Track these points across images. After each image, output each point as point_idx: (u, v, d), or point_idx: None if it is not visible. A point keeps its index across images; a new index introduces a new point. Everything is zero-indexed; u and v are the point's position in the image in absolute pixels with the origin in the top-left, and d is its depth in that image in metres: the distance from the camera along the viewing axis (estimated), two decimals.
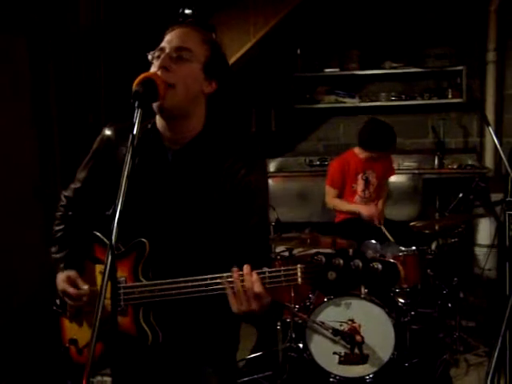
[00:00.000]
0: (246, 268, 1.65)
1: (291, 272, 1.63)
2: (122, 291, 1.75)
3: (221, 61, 1.88)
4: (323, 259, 1.60)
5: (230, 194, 1.82)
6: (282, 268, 1.65)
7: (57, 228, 2.05)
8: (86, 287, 1.86)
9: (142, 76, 1.68)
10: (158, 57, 1.78)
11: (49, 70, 3.85)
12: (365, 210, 4.48)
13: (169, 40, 1.80)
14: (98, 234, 1.92)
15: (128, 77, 1.91)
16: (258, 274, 1.65)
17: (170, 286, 1.72)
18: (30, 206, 3.79)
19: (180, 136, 1.84)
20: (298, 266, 1.63)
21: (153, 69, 1.78)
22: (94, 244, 1.93)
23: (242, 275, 1.65)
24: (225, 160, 1.85)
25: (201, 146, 1.85)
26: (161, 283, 1.74)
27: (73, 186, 2.04)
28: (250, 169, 1.85)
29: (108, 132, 1.95)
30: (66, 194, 2.06)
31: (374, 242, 4.14)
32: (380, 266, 1.56)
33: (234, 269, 1.67)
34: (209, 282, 1.69)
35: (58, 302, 2.01)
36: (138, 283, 1.78)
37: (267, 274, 1.65)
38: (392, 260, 1.60)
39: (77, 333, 1.95)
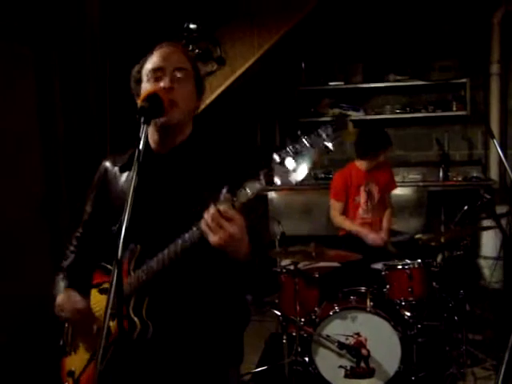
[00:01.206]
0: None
1: (256, 182, 1.59)
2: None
3: (200, 74, 1.96)
4: (276, 157, 1.56)
5: (217, 189, 1.81)
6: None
7: (65, 262, 2.08)
8: (82, 305, 1.88)
9: (147, 91, 1.72)
10: (157, 77, 1.83)
11: (54, 84, 3.86)
12: (370, 238, 4.48)
13: (165, 59, 1.85)
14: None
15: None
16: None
17: (153, 263, 1.74)
18: (36, 224, 3.79)
19: (168, 145, 1.90)
20: (260, 172, 1.59)
21: (151, 87, 1.81)
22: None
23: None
24: (213, 161, 1.90)
25: (188, 150, 1.90)
26: (145, 266, 1.76)
27: (81, 224, 2.10)
28: (239, 166, 1.91)
29: (106, 163, 2.04)
30: (77, 234, 2.12)
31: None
32: (326, 128, 1.52)
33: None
34: (186, 235, 1.68)
35: (61, 342, 2.03)
36: (126, 280, 1.78)
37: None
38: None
39: (73, 363, 1.96)
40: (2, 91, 3.57)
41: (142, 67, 1.90)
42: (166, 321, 1.82)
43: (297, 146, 1.52)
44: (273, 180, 1.55)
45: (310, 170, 1.53)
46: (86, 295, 1.95)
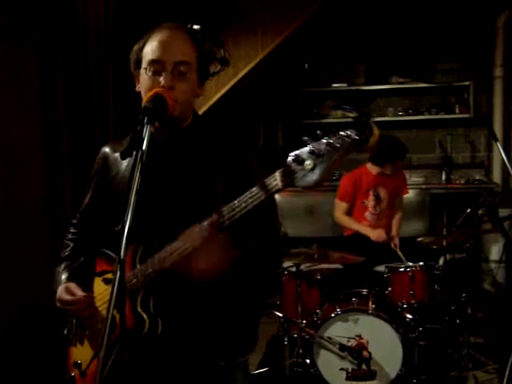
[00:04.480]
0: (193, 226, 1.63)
1: (271, 181, 1.53)
2: None
3: (206, 58, 1.91)
4: (293, 157, 1.50)
5: (226, 177, 1.81)
6: (258, 181, 1.56)
7: (64, 251, 2.07)
8: (81, 294, 1.86)
9: (151, 92, 1.70)
10: (156, 71, 1.78)
11: (57, 83, 3.86)
12: (372, 235, 4.46)
13: (165, 50, 1.79)
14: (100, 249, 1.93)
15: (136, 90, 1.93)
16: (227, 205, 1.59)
17: (157, 259, 1.70)
18: (39, 221, 3.79)
19: (171, 132, 1.87)
20: (276, 171, 1.52)
21: (149, 82, 1.78)
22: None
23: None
24: (218, 145, 1.88)
25: (191, 133, 1.88)
26: (151, 261, 1.72)
27: (80, 210, 2.09)
28: (246, 152, 1.90)
29: (105, 149, 2.01)
30: (74, 221, 2.11)
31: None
32: (352, 131, 1.41)
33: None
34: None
35: (65, 331, 2.01)
36: (131, 273, 1.75)
37: (236, 203, 1.57)
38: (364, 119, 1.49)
39: (80, 354, 1.95)
40: (6, 91, 3.57)
41: (142, 48, 1.84)
42: (174, 315, 1.77)
43: (317, 146, 1.45)
44: (291, 181, 1.47)
45: (331, 172, 1.43)
46: (87, 285, 1.93)
